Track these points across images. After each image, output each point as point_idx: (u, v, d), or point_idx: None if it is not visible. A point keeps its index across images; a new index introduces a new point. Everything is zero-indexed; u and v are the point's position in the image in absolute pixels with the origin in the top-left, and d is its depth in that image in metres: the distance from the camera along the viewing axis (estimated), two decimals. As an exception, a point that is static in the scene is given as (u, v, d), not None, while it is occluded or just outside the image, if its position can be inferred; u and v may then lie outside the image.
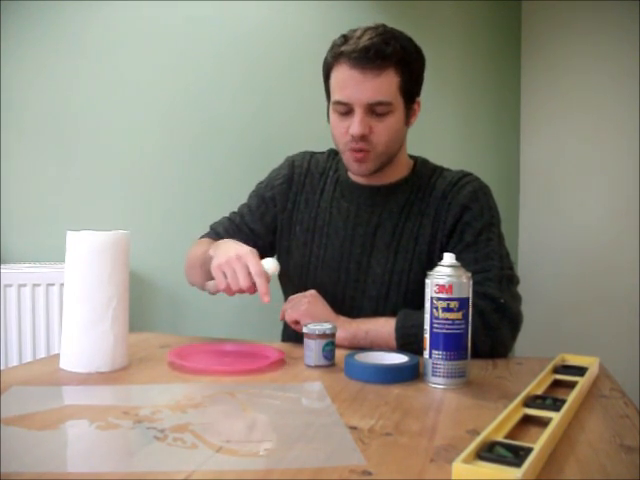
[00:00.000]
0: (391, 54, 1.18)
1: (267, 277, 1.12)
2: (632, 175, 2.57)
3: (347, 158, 1.27)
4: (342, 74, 1.20)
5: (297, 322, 1.20)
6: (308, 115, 2.20)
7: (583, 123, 2.73)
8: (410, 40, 1.24)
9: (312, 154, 1.45)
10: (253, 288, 1.11)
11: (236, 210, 1.47)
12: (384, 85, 1.19)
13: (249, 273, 1.11)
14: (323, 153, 1.44)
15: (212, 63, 2.20)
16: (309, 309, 1.19)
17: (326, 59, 1.25)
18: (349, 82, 1.19)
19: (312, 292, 1.23)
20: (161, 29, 2.15)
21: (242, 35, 2.23)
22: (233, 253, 1.13)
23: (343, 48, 1.19)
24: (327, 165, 1.41)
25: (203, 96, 2.20)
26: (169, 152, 2.18)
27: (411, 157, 1.37)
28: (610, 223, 2.65)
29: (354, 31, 1.22)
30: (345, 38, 1.22)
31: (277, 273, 1.18)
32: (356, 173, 1.30)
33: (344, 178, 1.37)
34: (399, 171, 1.33)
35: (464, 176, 1.31)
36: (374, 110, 1.20)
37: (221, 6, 2.20)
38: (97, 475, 0.61)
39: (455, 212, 1.26)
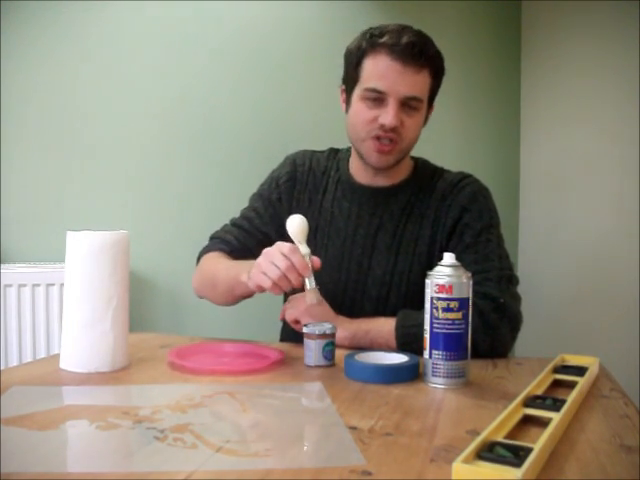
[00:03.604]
0: (431, 57, 1.21)
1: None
2: (632, 175, 2.57)
3: (367, 147, 1.25)
4: (380, 63, 1.20)
5: (297, 321, 1.20)
6: (305, 109, 2.20)
7: (583, 123, 2.72)
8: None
9: (312, 152, 1.42)
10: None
11: (237, 216, 1.41)
12: (420, 82, 1.21)
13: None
14: (323, 152, 1.42)
15: (209, 62, 2.20)
16: (309, 308, 1.19)
17: (359, 46, 1.23)
18: (389, 72, 1.19)
19: (312, 292, 1.23)
20: (159, 28, 2.15)
21: (238, 31, 2.22)
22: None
23: (384, 39, 1.19)
24: (328, 164, 1.39)
25: (202, 95, 2.20)
26: (169, 152, 2.18)
27: (412, 158, 1.37)
28: (610, 223, 2.65)
29: (386, 26, 1.21)
30: (380, 30, 1.21)
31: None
32: (376, 164, 1.27)
33: (345, 178, 1.36)
34: (401, 172, 1.33)
35: (464, 178, 1.31)
36: (407, 104, 1.21)
37: (217, 4, 2.20)
38: (97, 475, 0.61)
39: (454, 214, 1.26)
